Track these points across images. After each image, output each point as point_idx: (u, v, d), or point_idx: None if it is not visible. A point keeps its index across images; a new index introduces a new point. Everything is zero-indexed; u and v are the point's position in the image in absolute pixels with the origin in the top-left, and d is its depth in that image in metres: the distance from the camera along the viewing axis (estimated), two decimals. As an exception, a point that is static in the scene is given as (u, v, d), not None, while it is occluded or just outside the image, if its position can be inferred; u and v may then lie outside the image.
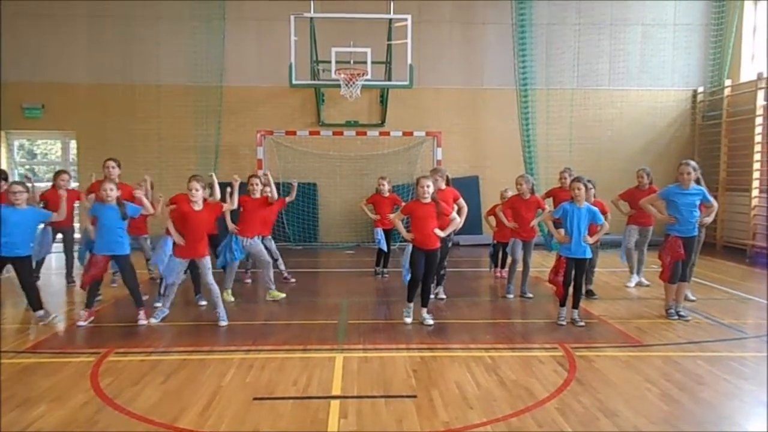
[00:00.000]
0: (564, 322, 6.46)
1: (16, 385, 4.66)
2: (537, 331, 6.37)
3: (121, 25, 13.12)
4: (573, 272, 6.39)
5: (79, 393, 4.49)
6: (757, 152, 11.88)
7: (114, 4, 13.08)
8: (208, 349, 5.58)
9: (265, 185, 7.76)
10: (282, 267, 8.79)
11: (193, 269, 6.92)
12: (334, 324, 6.56)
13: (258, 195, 7.66)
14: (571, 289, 6.45)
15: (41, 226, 7.09)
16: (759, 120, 11.87)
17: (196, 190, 6.37)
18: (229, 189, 6.76)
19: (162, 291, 6.74)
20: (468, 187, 12.42)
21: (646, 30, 13.83)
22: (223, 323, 6.38)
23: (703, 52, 13.76)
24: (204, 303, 7.25)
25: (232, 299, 7.49)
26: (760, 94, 11.83)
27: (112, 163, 7.57)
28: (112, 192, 6.32)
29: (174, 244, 6.48)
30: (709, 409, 4.29)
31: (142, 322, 6.43)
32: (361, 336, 6.05)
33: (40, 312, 6.45)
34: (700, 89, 13.87)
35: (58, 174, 8.15)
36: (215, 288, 6.46)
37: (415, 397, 4.43)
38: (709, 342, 5.92)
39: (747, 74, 12.88)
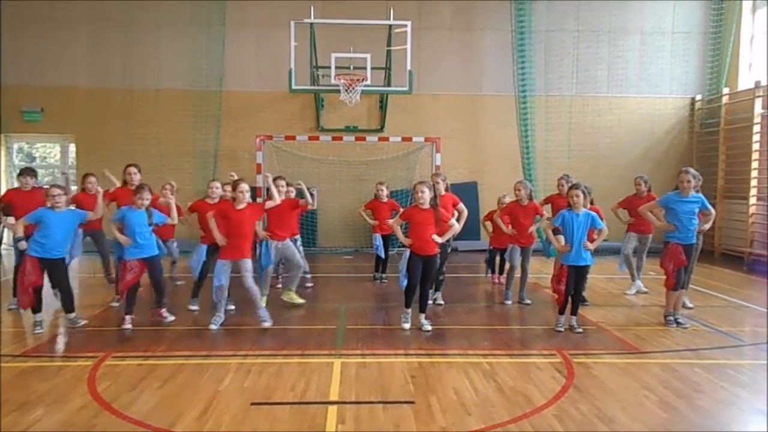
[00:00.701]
0: (562, 329, 6.46)
1: (14, 389, 4.65)
2: (535, 337, 6.38)
3: (121, 29, 13.13)
4: (574, 279, 6.39)
5: (77, 397, 4.49)
6: (755, 160, 11.92)
7: (115, 7, 13.10)
8: (206, 354, 5.58)
9: (289, 185, 7.87)
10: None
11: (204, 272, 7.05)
12: (332, 329, 6.56)
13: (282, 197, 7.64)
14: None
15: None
16: (756, 128, 11.91)
17: (247, 191, 6.45)
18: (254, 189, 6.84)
19: (215, 298, 6.59)
20: (467, 192, 12.41)
21: (644, 38, 13.88)
22: (266, 324, 6.38)
23: (701, 60, 13.81)
24: (196, 308, 7.23)
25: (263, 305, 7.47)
26: (758, 103, 11.89)
27: (133, 170, 7.53)
28: (147, 201, 6.44)
29: (217, 247, 6.51)
30: (707, 416, 4.30)
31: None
32: (359, 341, 6.05)
33: (72, 314, 6.46)
34: (698, 97, 13.91)
35: (85, 177, 8.05)
36: (255, 289, 6.45)
37: (413, 403, 4.43)
38: (706, 349, 5.94)
39: (745, 82, 12.93)
